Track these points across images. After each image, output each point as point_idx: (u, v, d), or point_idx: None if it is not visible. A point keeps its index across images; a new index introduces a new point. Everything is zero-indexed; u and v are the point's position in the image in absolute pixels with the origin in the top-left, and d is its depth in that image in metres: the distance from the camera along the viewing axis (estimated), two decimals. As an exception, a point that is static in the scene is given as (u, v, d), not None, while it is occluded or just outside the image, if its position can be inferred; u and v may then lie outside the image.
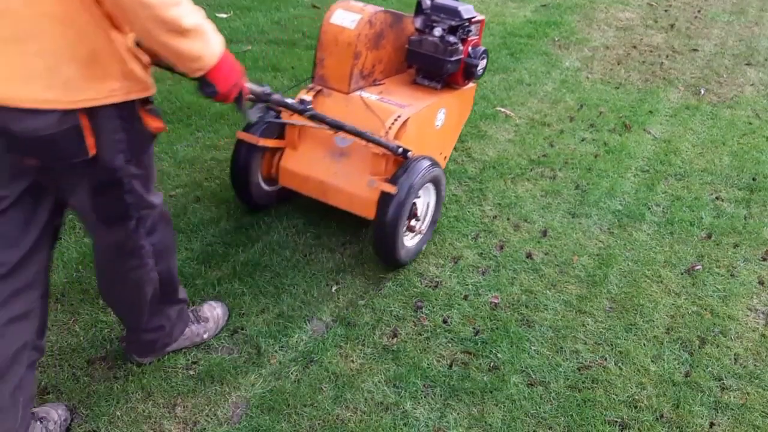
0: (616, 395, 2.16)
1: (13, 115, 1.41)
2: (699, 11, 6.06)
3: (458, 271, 2.64)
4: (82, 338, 2.17)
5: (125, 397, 2.00)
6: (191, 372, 2.11)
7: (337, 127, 2.28)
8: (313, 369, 2.16)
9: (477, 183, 3.21)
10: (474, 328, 2.38)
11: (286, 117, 2.57)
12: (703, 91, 4.43)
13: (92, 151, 1.51)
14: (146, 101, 1.60)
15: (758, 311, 2.58)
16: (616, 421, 2.08)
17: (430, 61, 2.71)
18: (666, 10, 6.04)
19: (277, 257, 2.59)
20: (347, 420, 2.01)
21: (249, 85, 1.76)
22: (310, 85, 2.67)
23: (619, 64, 4.78)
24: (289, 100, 2.04)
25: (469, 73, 2.79)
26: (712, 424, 2.10)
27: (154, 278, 1.90)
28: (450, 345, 2.31)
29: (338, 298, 2.46)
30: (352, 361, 2.21)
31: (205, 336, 2.19)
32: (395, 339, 2.31)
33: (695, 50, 5.13)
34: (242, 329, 2.28)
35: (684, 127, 3.93)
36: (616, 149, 3.61)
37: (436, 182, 2.62)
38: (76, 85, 1.43)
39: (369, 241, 2.74)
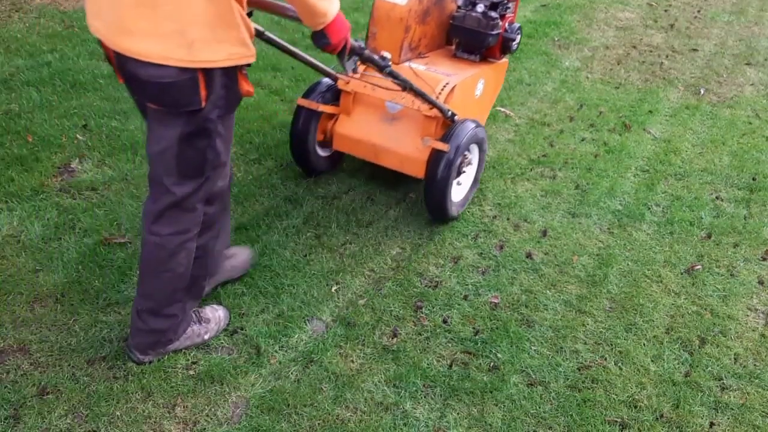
0: (616, 395, 2.16)
1: (141, 65, 1.65)
2: (699, 11, 6.06)
3: (458, 271, 2.64)
4: (82, 338, 2.17)
5: (125, 397, 2.00)
6: (191, 372, 2.11)
7: (406, 84, 2.46)
8: (313, 369, 2.16)
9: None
10: (474, 328, 2.38)
11: (342, 84, 2.82)
12: (702, 91, 4.43)
13: (203, 103, 1.72)
14: (244, 66, 1.79)
15: (758, 311, 2.58)
16: (616, 421, 2.08)
17: (473, 35, 2.96)
18: (666, 10, 6.04)
19: (277, 257, 2.59)
20: (347, 420, 2.01)
21: (351, 41, 2.03)
22: None
23: (618, 64, 4.78)
24: (375, 56, 2.26)
25: (505, 47, 3.06)
26: (712, 424, 2.10)
27: (191, 249, 2.00)
28: (450, 345, 2.31)
29: (338, 298, 2.46)
30: (352, 361, 2.21)
31: (206, 336, 2.19)
32: (395, 339, 2.31)
33: (695, 50, 5.13)
34: (242, 329, 2.28)
35: (684, 127, 3.93)
36: (616, 149, 3.60)
37: (479, 142, 2.90)
38: (199, 46, 1.63)
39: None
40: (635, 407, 2.13)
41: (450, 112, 2.71)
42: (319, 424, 1.99)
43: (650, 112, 4.08)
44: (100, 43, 1.75)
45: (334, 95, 2.88)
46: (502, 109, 3.95)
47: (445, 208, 2.76)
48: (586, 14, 5.76)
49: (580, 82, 4.44)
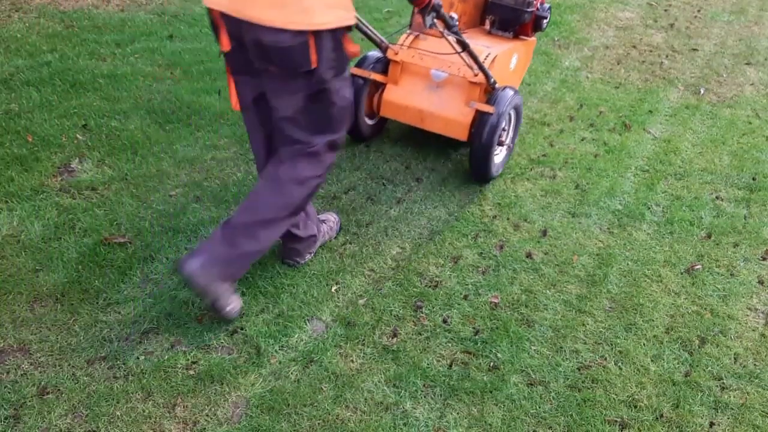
0: (616, 395, 2.16)
1: (264, 31, 1.89)
2: (699, 11, 6.06)
3: (458, 270, 2.64)
4: (82, 338, 2.17)
5: (125, 397, 2.00)
6: (191, 372, 2.11)
7: (465, 45, 2.75)
8: (313, 369, 2.16)
9: (477, 182, 3.21)
10: (474, 328, 2.38)
11: (391, 55, 3.10)
12: (702, 91, 4.43)
13: (314, 65, 1.95)
14: (347, 29, 2.02)
15: (758, 311, 2.58)
16: (616, 421, 2.08)
17: (510, 11, 3.29)
18: (666, 10, 6.04)
19: (277, 257, 2.59)
20: (347, 420, 2.01)
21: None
22: (408, 32, 3.17)
23: (618, 64, 4.78)
24: (447, 15, 2.54)
25: (537, 25, 3.38)
26: (711, 424, 2.10)
27: (315, 189, 2.23)
28: (450, 345, 2.31)
29: (338, 298, 2.46)
30: (352, 361, 2.21)
31: (227, 312, 2.22)
32: (395, 339, 2.31)
33: (695, 50, 5.14)
34: (242, 329, 2.28)
35: (684, 127, 3.93)
36: (616, 149, 3.61)
37: (517, 108, 3.16)
38: (312, 11, 1.88)
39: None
40: (635, 407, 2.13)
41: (492, 79, 2.96)
42: (319, 424, 1.99)
43: (650, 111, 4.08)
44: (209, 12, 1.99)
45: (383, 67, 3.17)
46: (502, 109, 3.95)
47: (488, 169, 3.05)
48: (586, 14, 5.76)
49: (580, 81, 4.44)
